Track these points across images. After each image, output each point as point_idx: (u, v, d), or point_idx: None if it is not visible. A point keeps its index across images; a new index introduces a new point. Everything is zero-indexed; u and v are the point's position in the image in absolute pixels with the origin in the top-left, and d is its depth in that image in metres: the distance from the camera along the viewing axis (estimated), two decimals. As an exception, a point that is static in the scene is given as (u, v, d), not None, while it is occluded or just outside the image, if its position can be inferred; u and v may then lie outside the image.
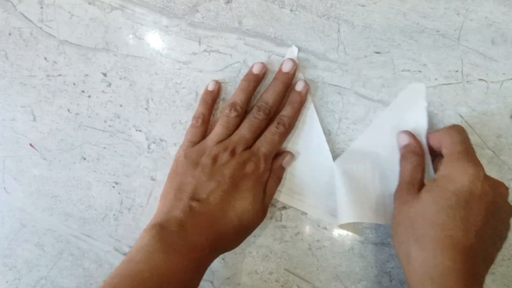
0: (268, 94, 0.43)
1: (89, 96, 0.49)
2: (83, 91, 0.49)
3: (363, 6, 0.44)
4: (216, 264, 0.47)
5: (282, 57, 0.45)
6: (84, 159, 0.50)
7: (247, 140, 0.41)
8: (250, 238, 0.46)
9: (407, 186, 0.38)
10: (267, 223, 0.46)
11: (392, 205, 0.40)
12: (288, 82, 0.43)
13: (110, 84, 0.49)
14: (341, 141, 0.45)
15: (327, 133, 0.45)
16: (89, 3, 0.49)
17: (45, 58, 0.50)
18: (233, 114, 0.42)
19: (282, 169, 0.44)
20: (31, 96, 0.50)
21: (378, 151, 0.42)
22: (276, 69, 0.45)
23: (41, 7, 0.50)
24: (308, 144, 0.45)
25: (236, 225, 0.39)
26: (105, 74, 0.49)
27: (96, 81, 0.49)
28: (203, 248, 0.37)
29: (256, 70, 0.44)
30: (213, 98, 0.45)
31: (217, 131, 0.42)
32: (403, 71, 0.43)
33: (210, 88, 0.45)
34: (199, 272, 0.37)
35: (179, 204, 0.39)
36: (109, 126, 0.49)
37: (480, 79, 0.43)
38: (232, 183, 0.39)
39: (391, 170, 0.41)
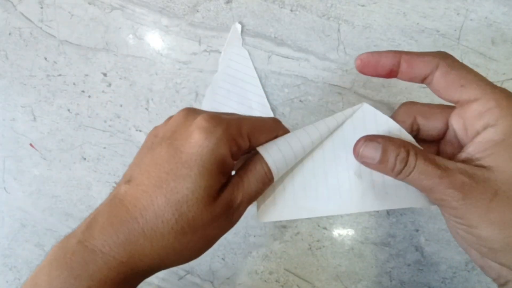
0: None
1: (89, 96, 0.49)
2: (83, 91, 0.49)
3: (363, 6, 0.44)
4: (216, 264, 0.47)
5: (282, 57, 0.45)
6: (84, 159, 0.50)
7: None
8: (250, 238, 0.46)
9: None
10: (267, 223, 0.46)
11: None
12: None
13: (110, 84, 0.49)
14: (341, 141, 0.45)
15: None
16: (89, 3, 0.49)
17: (45, 58, 0.50)
18: None
19: None
20: (31, 96, 0.50)
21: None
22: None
23: (41, 7, 0.50)
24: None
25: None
26: (105, 74, 0.49)
27: (96, 81, 0.49)
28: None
29: None
30: None
31: None
32: (403, 71, 0.43)
33: None
34: None
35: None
36: (109, 126, 0.49)
37: (480, 79, 0.43)
38: None
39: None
